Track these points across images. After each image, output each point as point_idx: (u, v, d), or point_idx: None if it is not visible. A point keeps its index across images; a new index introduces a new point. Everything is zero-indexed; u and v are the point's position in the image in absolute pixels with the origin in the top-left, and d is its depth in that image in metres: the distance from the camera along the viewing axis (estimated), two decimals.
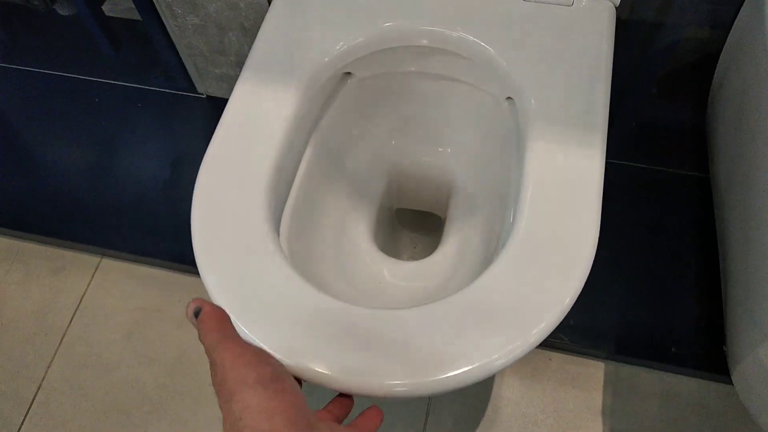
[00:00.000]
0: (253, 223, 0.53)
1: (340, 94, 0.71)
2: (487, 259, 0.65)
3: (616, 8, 0.65)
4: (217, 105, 1.19)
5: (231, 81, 1.14)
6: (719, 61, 0.87)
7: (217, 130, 0.60)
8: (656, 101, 1.02)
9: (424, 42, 0.66)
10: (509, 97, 0.68)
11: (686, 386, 0.90)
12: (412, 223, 0.94)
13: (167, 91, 1.21)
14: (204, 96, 1.20)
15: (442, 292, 0.65)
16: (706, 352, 0.89)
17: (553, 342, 0.92)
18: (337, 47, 0.64)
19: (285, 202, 0.64)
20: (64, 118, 1.20)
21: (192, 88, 1.19)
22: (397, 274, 0.71)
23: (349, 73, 0.71)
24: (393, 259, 0.73)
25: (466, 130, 0.76)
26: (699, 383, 0.90)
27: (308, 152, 0.68)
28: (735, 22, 0.79)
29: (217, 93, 1.18)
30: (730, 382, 0.86)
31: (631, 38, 0.95)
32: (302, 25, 0.66)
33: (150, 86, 1.21)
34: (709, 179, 0.96)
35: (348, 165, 0.76)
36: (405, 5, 0.66)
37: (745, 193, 0.73)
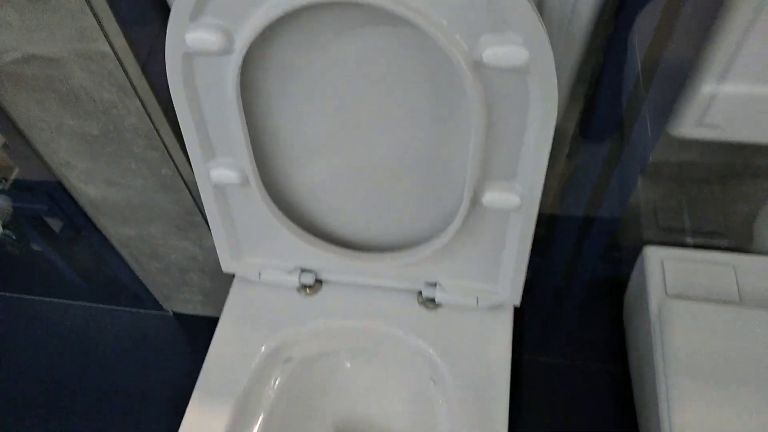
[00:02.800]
0: None
1: (284, 376, 0.79)
2: None
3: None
4: (184, 321, 1.27)
5: (195, 303, 1.22)
6: (629, 283, 0.98)
7: None
8: (579, 301, 1.12)
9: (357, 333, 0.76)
10: (432, 378, 0.76)
11: None
12: None
13: (135, 310, 1.29)
14: (170, 314, 1.27)
15: None
16: None
17: None
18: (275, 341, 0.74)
19: None
20: (38, 342, 1.26)
21: (159, 306, 1.27)
22: None
23: (290, 358, 0.79)
24: None
25: (398, 397, 0.84)
26: None
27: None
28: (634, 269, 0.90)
29: (183, 311, 1.26)
30: None
31: (554, 253, 1.06)
32: (247, 331, 0.76)
33: (119, 306, 1.29)
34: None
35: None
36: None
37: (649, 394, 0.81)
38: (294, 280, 0.77)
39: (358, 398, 0.85)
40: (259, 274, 0.78)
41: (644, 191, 0.83)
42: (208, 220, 0.72)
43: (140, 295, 1.28)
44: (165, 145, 0.79)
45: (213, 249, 1.00)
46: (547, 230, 0.94)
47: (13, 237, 1.21)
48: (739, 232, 0.81)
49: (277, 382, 0.78)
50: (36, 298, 1.32)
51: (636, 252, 0.86)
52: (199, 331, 1.24)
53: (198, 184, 0.68)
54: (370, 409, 0.85)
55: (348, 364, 0.82)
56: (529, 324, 0.95)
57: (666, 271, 0.76)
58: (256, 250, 0.76)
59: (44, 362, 1.24)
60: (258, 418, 0.75)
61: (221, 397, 0.72)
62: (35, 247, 1.30)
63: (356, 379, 0.83)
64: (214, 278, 1.11)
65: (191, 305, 1.23)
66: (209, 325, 0.79)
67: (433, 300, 0.76)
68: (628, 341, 1.00)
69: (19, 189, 1.08)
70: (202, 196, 0.70)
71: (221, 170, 0.66)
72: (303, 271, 0.78)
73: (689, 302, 0.70)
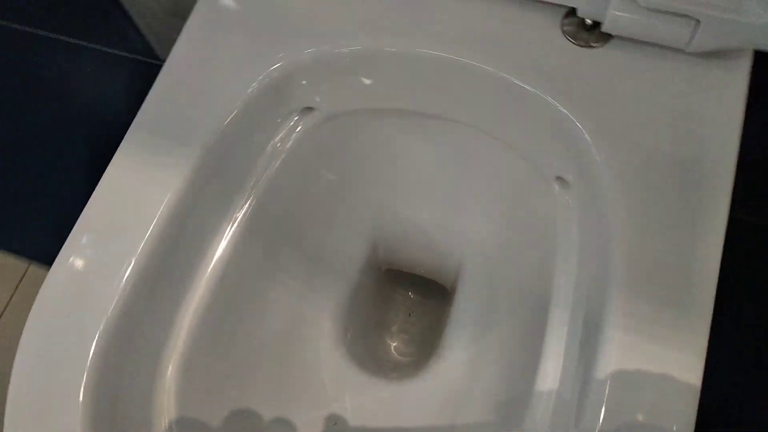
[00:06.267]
0: None
1: (293, 137, 0.45)
2: (509, 403, 0.42)
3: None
4: None
5: None
6: None
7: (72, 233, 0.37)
8: None
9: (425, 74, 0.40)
10: (560, 177, 0.42)
11: None
12: (411, 279, 0.71)
13: (120, 53, 0.95)
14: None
15: None
16: None
17: None
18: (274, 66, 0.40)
19: (175, 316, 0.41)
20: None
21: (150, 52, 0.93)
22: (368, 410, 0.48)
23: (309, 108, 0.45)
24: (365, 378, 0.50)
25: (485, 195, 0.51)
26: None
27: (234, 228, 0.44)
28: None
29: None
30: None
31: None
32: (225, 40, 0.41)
33: (98, 45, 0.96)
34: None
35: (306, 231, 0.52)
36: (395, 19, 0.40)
37: None
38: None
39: (416, 192, 0.52)
40: None
41: None
42: None
43: (128, 34, 0.94)
44: None
45: None
46: None
47: None
48: None
49: (284, 145, 0.45)
50: None
51: None
52: None
53: None
54: (434, 213, 0.53)
55: (407, 132, 0.48)
56: None
57: None
58: None
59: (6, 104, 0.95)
60: (247, 194, 0.44)
61: (183, 150, 0.39)
62: None
63: (418, 157, 0.50)
64: None
65: None
66: None
67: (596, 25, 0.39)
68: None
69: None
70: None
71: None
72: None
73: None
